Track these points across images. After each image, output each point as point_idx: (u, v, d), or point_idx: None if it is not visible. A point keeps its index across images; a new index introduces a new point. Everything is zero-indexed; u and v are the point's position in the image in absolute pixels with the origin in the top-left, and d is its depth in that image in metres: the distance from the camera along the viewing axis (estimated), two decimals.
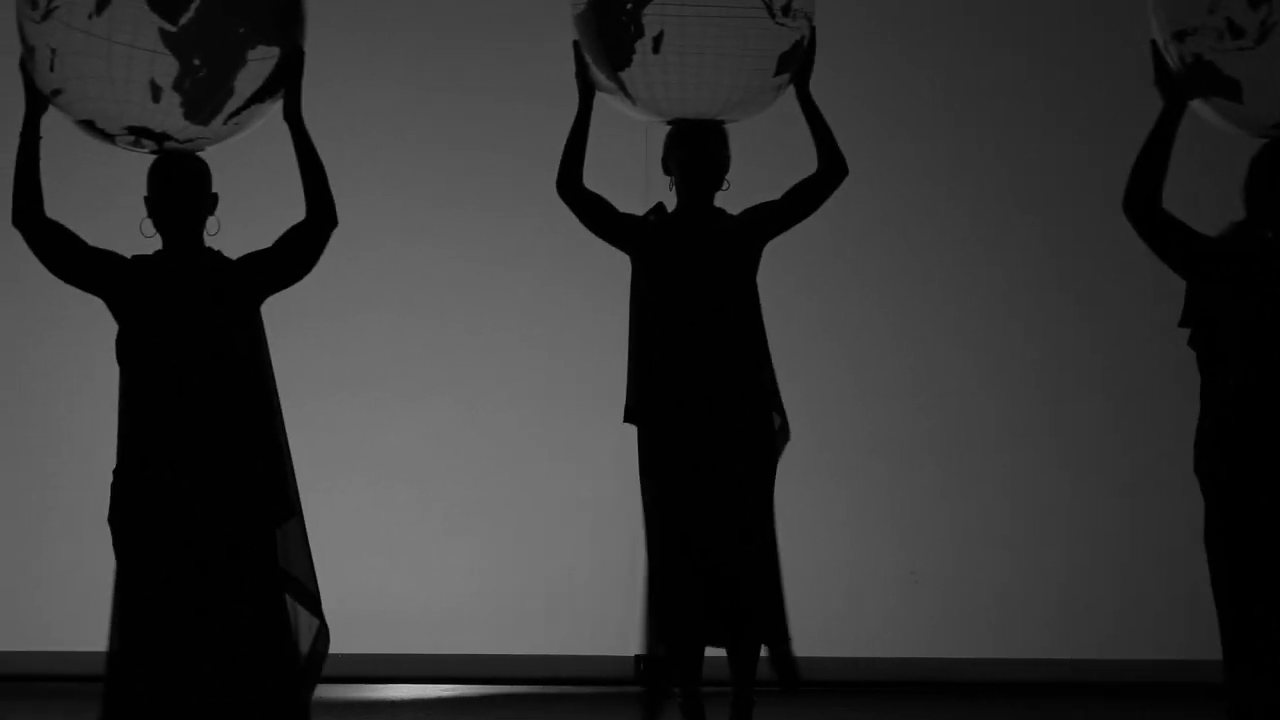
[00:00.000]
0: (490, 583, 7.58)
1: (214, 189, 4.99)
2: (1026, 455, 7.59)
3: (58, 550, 7.52)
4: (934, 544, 7.58)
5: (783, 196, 5.82)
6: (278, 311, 5.11)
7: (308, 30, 5.03)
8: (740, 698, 5.89)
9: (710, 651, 5.89)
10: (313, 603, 5.02)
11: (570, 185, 5.78)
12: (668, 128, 5.85)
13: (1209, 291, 4.89)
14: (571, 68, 5.79)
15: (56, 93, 4.90)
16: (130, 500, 4.89)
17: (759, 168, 6.07)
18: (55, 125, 5.00)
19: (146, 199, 4.95)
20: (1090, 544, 7.56)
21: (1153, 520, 7.49)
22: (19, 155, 4.91)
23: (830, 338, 7.58)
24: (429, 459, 7.58)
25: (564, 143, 5.79)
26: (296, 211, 5.01)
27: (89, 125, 4.94)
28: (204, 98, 4.86)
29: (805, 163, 5.81)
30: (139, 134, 4.92)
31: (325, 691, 7.32)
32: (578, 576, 7.55)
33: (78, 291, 4.96)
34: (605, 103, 5.79)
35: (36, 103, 4.94)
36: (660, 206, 5.88)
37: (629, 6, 5.54)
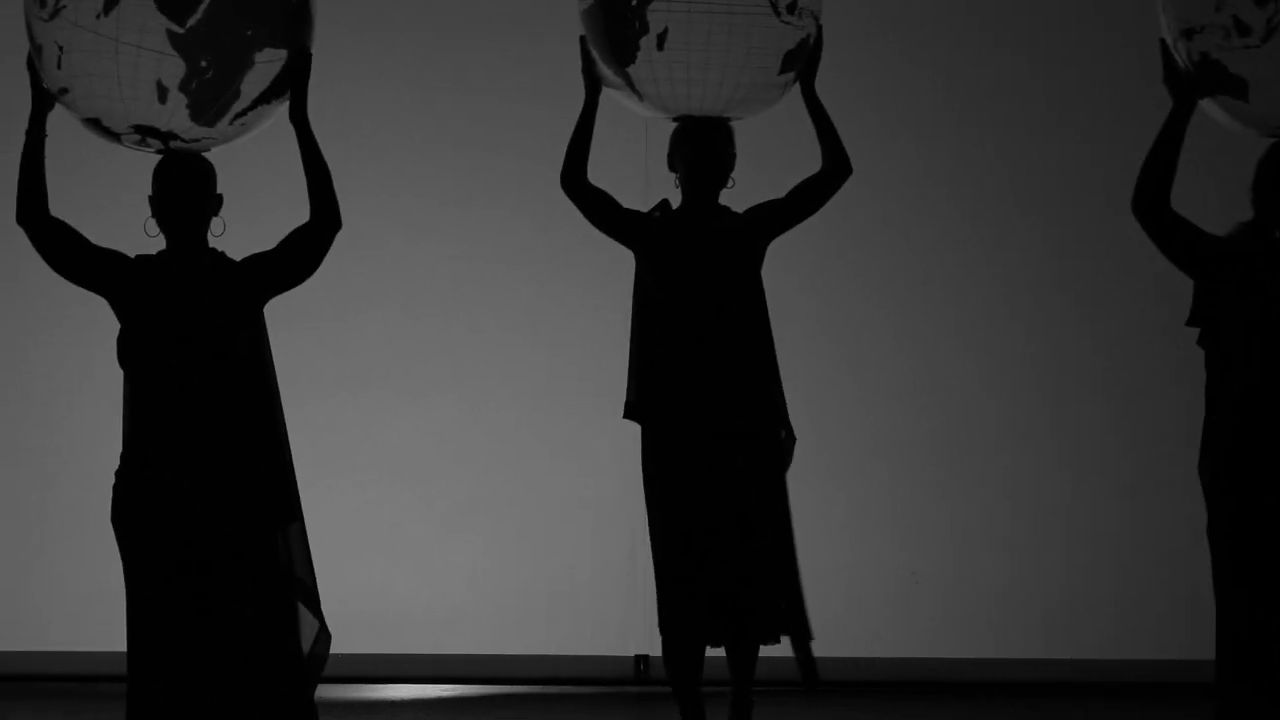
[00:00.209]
0: (491, 582, 7.57)
1: (219, 189, 4.99)
2: (1027, 456, 7.59)
3: (58, 550, 7.51)
4: (934, 544, 7.58)
5: (787, 195, 5.82)
6: (280, 310, 5.11)
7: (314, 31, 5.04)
8: (740, 698, 5.88)
9: (710, 651, 5.89)
10: (314, 604, 5.02)
11: (575, 180, 5.78)
12: (672, 125, 5.85)
13: (1216, 291, 4.89)
14: (578, 63, 5.79)
15: (63, 91, 4.90)
16: (132, 500, 4.88)
17: (764, 166, 6.07)
18: (60, 123, 4.99)
19: (151, 198, 4.95)
20: (1091, 545, 7.56)
21: (1153, 521, 7.49)
22: (24, 153, 4.91)
23: (831, 338, 7.58)
24: (430, 458, 7.58)
25: (569, 138, 5.78)
26: (301, 213, 5.01)
27: (95, 124, 4.95)
28: (210, 99, 4.86)
29: (810, 161, 5.81)
30: (145, 133, 4.92)
31: (325, 691, 7.30)
32: (578, 576, 7.55)
33: (78, 291, 4.96)
34: (611, 99, 5.79)
35: (43, 100, 4.94)
36: (665, 203, 5.88)
37: (634, 3, 5.55)
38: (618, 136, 6.20)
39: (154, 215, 4.95)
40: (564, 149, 5.78)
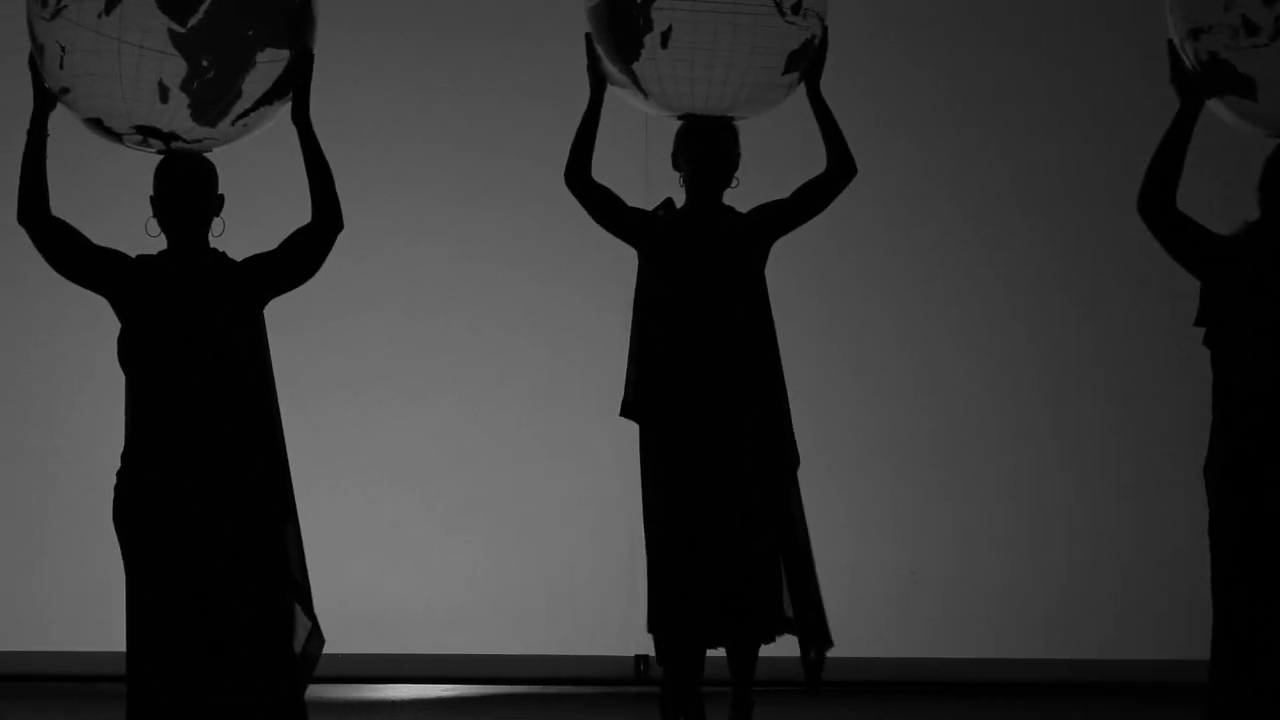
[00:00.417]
0: (491, 582, 7.57)
1: (220, 190, 4.98)
2: (1028, 456, 7.59)
3: (58, 550, 7.51)
4: (935, 544, 7.58)
5: (791, 195, 5.82)
6: (281, 310, 5.11)
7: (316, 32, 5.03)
8: (740, 698, 5.88)
9: (710, 651, 5.88)
10: (308, 604, 5.02)
11: (579, 177, 5.77)
12: (677, 125, 5.85)
13: (1223, 291, 4.88)
14: (579, 63, 5.79)
15: (65, 90, 4.89)
16: (133, 501, 4.88)
17: (769, 166, 6.07)
18: (61, 123, 4.99)
19: (152, 198, 4.95)
20: (1091, 545, 7.56)
21: (1154, 521, 7.49)
22: (25, 153, 4.90)
23: (832, 339, 7.58)
24: (431, 458, 7.58)
25: (573, 135, 5.77)
26: (302, 213, 5.01)
27: (97, 124, 4.94)
28: (212, 99, 4.85)
29: (814, 162, 5.81)
30: (147, 134, 4.92)
31: (326, 691, 7.34)
32: (578, 576, 7.55)
33: (78, 291, 4.95)
34: (616, 97, 5.79)
35: (44, 100, 4.93)
36: (669, 202, 5.88)
37: (639, 1, 5.55)
38: (618, 136, 6.20)
39: (155, 215, 4.94)
40: (565, 149, 5.79)
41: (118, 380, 4.94)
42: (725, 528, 5.73)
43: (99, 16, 4.77)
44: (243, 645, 4.85)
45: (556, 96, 6.72)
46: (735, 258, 5.80)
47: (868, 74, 7.45)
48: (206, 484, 4.84)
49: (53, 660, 7.53)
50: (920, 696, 7.46)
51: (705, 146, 5.77)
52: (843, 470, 7.50)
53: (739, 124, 5.82)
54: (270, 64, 4.88)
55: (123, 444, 4.92)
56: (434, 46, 7.63)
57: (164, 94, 4.83)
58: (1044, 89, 7.60)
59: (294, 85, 4.96)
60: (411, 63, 7.62)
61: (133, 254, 4.92)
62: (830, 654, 5.90)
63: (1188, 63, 4.97)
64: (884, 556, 7.56)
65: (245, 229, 5.08)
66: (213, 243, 4.96)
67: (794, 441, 5.85)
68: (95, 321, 5.38)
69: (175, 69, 4.80)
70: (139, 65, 4.80)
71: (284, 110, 5.00)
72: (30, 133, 4.92)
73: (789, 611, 5.80)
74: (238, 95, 4.88)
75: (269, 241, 4.98)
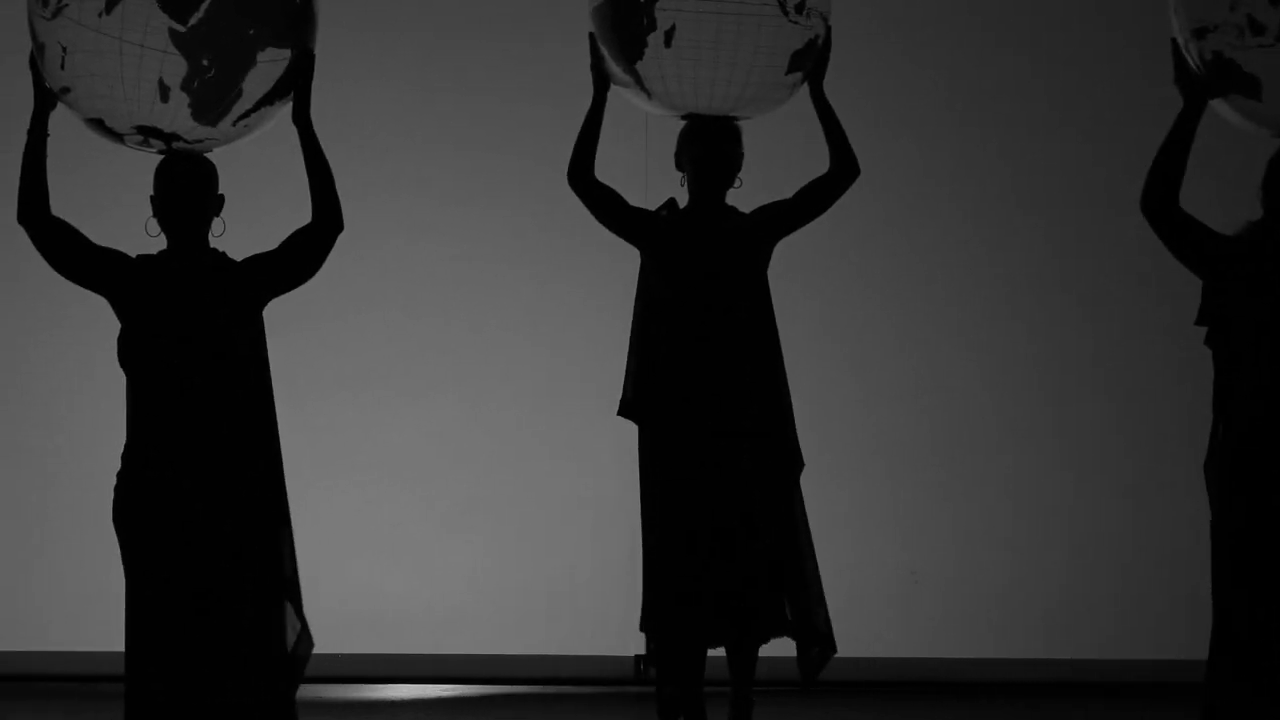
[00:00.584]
0: (491, 582, 7.57)
1: (220, 190, 4.98)
2: (1028, 456, 7.59)
3: (58, 550, 7.51)
4: (935, 544, 7.58)
5: (794, 196, 5.82)
6: (280, 310, 5.11)
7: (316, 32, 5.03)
8: (740, 698, 5.88)
9: (710, 651, 5.88)
10: (299, 604, 5.02)
11: (581, 176, 5.77)
12: (680, 125, 5.85)
13: (1225, 291, 4.88)
14: (579, 63, 5.79)
15: (65, 90, 4.89)
16: (133, 501, 4.88)
17: (771, 166, 6.07)
18: (61, 123, 4.99)
19: (153, 198, 4.95)
20: (1091, 545, 7.56)
21: (1154, 521, 7.49)
22: (26, 152, 4.90)
23: (832, 338, 7.57)
24: (431, 458, 7.58)
25: (575, 135, 5.77)
26: (302, 214, 5.01)
27: (98, 124, 4.94)
28: (213, 99, 4.85)
29: (817, 163, 5.81)
30: (148, 134, 4.91)
31: (326, 691, 7.34)
32: (578, 576, 7.55)
33: (78, 291, 4.95)
34: (620, 97, 5.79)
35: (45, 100, 4.93)
36: (672, 202, 5.88)
37: (643, 0, 5.55)
38: (619, 137, 6.19)
39: (155, 215, 4.94)
40: (565, 149, 5.79)
41: (118, 380, 4.94)
42: (725, 528, 5.73)
43: (100, 15, 4.77)
44: (242, 645, 4.85)
45: (556, 96, 6.72)
46: (738, 258, 5.80)
47: (868, 74, 7.45)
48: (206, 484, 4.84)
49: (53, 660, 7.53)
50: (920, 696, 7.45)
51: (708, 147, 5.77)
52: (843, 470, 7.49)
53: (742, 124, 5.81)
54: (271, 63, 4.88)
55: (123, 444, 4.93)
56: (434, 46, 7.63)
57: (165, 93, 4.83)
58: (1044, 89, 7.60)
59: (295, 85, 4.96)
60: (411, 63, 7.62)
61: (133, 254, 4.92)
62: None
63: (1192, 62, 4.97)
64: (884, 556, 7.56)
65: (245, 229, 5.08)
66: (213, 243, 4.96)
67: (797, 444, 5.85)
68: (95, 321, 5.38)
69: (176, 68, 4.80)
70: (140, 65, 4.80)
71: (285, 110, 5.00)
72: (30, 133, 4.92)
73: (789, 613, 5.80)
74: (239, 95, 4.88)
75: (269, 241, 4.98)
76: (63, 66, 4.84)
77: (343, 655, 7.36)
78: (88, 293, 4.95)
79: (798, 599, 5.79)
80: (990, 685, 7.54)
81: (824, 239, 7.02)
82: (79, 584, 7.41)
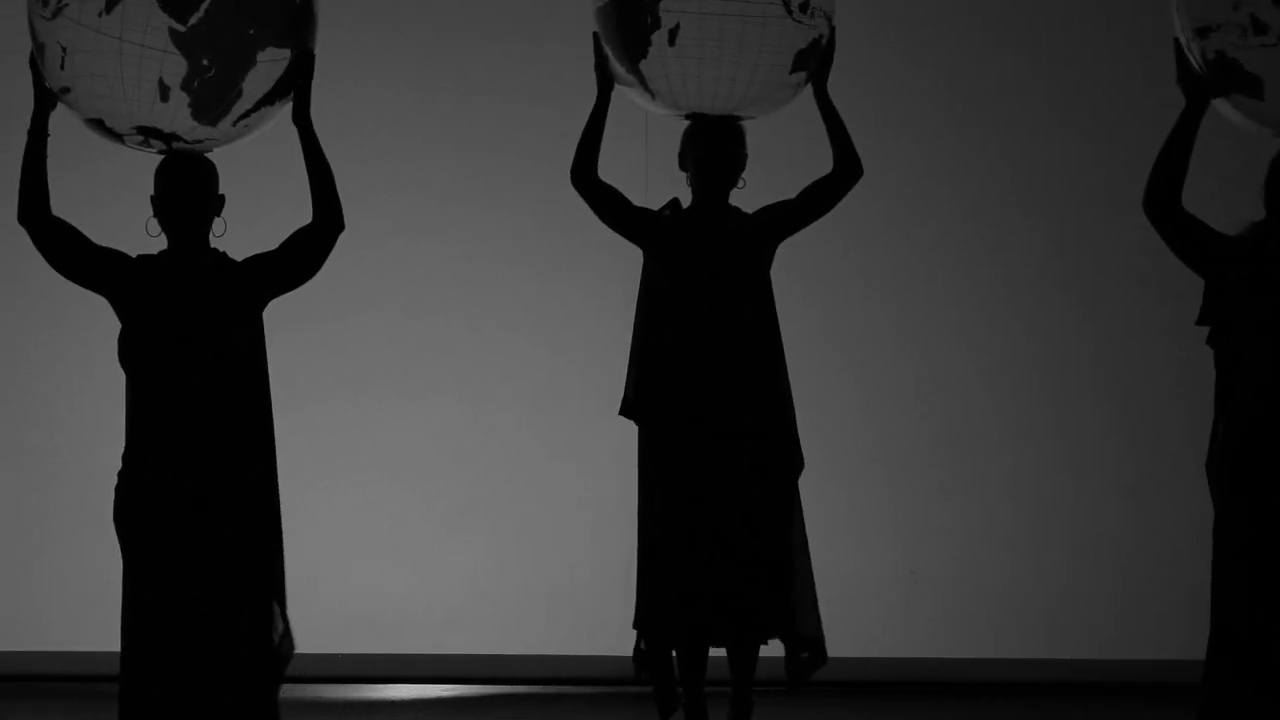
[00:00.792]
0: (491, 582, 7.57)
1: (220, 190, 4.98)
2: (1029, 456, 7.59)
3: (58, 550, 7.51)
4: (935, 544, 7.58)
5: (797, 196, 5.82)
6: (280, 310, 5.11)
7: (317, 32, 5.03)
8: (740, 698, 5.88)
9: (710, 651, 5.88)
10: (284, 605, 5.03)
11: (585, 176, 5.77)
12: (681, 125, 5.85)
13: (1227, 291, 4.88)
14: (579, 63, 5.79)
15: (65, 90, 4.89)
16: (132, 503, 4.88)
17: (775, 166, 6.07)
18: (61, 122, 4.99)
19: (153, 198, 4.95)
20: (1091, 545, 7.56)
21: (1154, 521, 7.49)
22: (26, 152, 4.91)
23: (832, 339, 7.58)
24: (430, 458, 7.58)
25: (578, 134, 5.77)
26: (302, 214, 5.01)
27: (98, 124, 4.94)
28: (213, 99, 4.85)
29: (821, 163, 5.81)
30: (148, 134, 4.92)
31: (326, 691, 7.34)
32: (578, 576, 7.55)
33: (78, 291, 4.95)
34: (624, 97, 5.79)
35: (45, 100, 4.94)
36: (675, 202, 5.88)
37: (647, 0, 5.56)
38: (619, 137, 6.19)
39: (155, 215, 4.94)
40: (566, 149, 5.79)
41: (118, 380, 4.94)
42: (725, 528, 5.73)
43: (100, 15, 4.77)
44: (240, 649, 4.85)
45: (557, 96, 6.72)
46: (741, 258, 5.80)
47: (868, 74, 7.45)
48: (205, 488, 4.84)
49: (53, 660, 7.53)
50: (920, 696, 7.46)
51: (711, 147, 5.77)
52: (843, 470, 7.49)
53: (745, 124, 5.81)
54: (271, 63, 4.88)
55: (123, 444, 4.93)
56: (434, 46, 7.63)
57: (165, 93, 4.83)
58: (1044, 89, 7.60)
59: (295, 85, 4.96)
60: (411, 63, 7.62)
61: (133, 254, 4.92)
62: (830, 654, 5.90)
63: (1194, 62, 4.97)
64: (884, 557, 7.56)
65: (245, 229, 5.08)
66: (213, 243, 4.96)
67: (799, 444, 5.85)
68: (95, 321, 5.38)
69: (176, 68, 4.81)
70: (140, 65, 4.80)
71: (285, 110, 5.00)
72: (31, 132, 4.92)
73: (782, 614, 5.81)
74: (239, 95, 4.88)
75: (269, 241, 4.98)
76: (63, 66, 4.84)
77: (343, 655, 7.36)
78: (88, 293, 4.95)
79: (791, 601, 5.79)
80: (990, 685, 7.54)
81: (824, 239, 7.01)
82: (79, 584, 7.41)
